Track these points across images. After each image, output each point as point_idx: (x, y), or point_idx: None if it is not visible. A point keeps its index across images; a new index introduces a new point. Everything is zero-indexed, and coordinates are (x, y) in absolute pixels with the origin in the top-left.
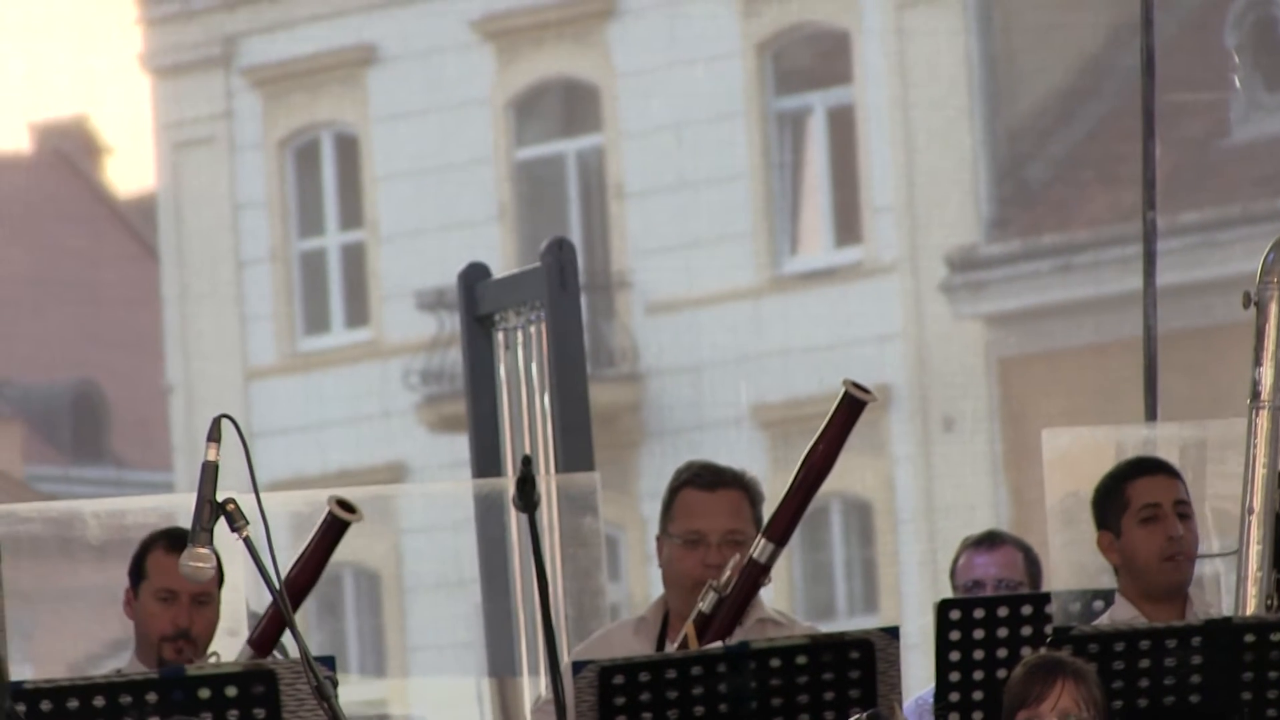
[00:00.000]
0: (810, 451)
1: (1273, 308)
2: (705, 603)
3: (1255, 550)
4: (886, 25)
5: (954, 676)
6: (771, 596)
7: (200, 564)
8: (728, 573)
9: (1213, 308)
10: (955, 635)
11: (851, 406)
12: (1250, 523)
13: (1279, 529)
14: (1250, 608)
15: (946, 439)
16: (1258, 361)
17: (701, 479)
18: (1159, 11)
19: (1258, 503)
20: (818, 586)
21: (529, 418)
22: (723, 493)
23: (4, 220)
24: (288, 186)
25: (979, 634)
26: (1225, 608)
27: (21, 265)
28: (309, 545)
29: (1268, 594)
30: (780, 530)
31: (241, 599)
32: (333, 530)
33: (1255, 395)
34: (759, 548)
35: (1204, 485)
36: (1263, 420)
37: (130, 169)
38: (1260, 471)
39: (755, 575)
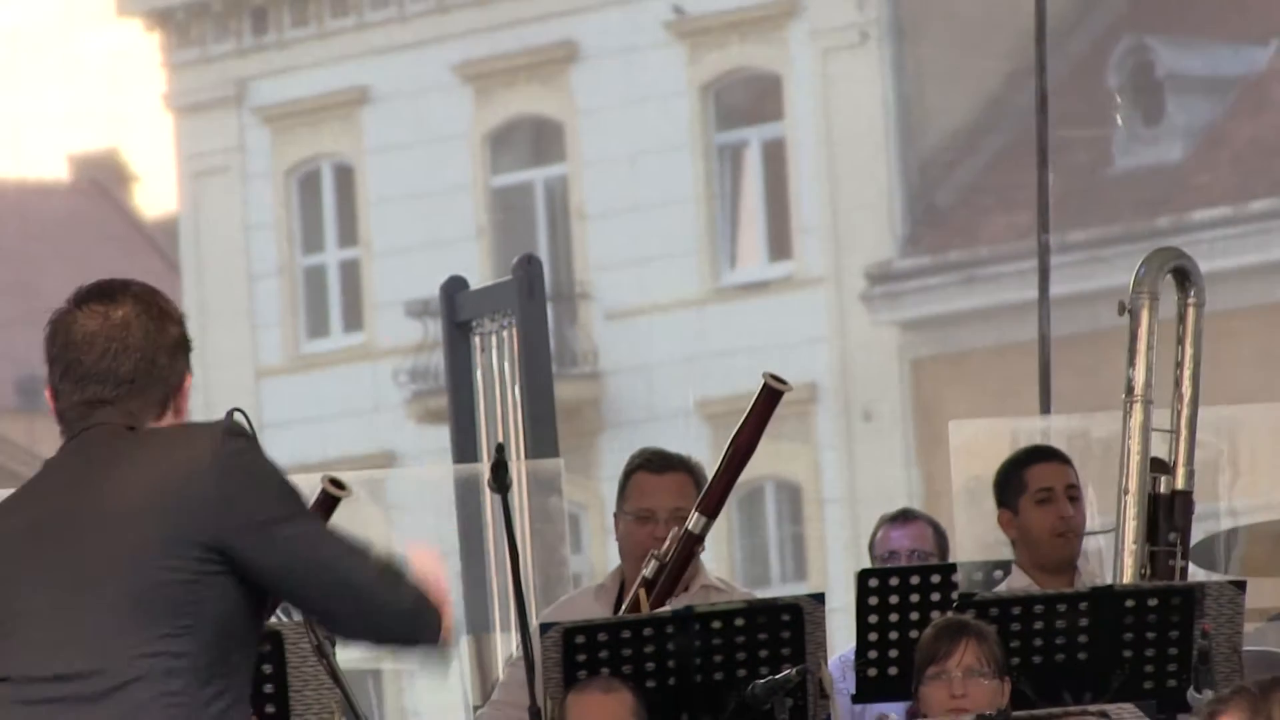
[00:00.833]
0: (736, 435)
1: (1144, 315)
2: (648, 569)
3: (1131, 526)
4: (814, 70)
5: (872, 637)
6: (714, 566)
7: None
8: (667, 543)
9: (1099, 315)
10: (874, 601)
11: (770, 395)
12: (1126, 502)
13: (1151, 508)
14: (1127, 576)
15: (866, 430)
16: (1131, 362)
17: (652, 463)
18: (1051, 57)
19: (1132, 485)
20: (754, 558)
21: (502, 411)
22: (670, 475)
23: (46, 240)
24: (292, 210)
25: (894, 599)
26: (1108, 577)
27: (61, 280)
28: None
29: (1141, 564)
30: (711, 505)
31: None
32: (324, 505)
33: (1130, 391)
34: (693, 520)
35: (1089, 470)
36: (1136, 413)
37: (155, 195)
38: (1135, 458)
39: (691, 544)
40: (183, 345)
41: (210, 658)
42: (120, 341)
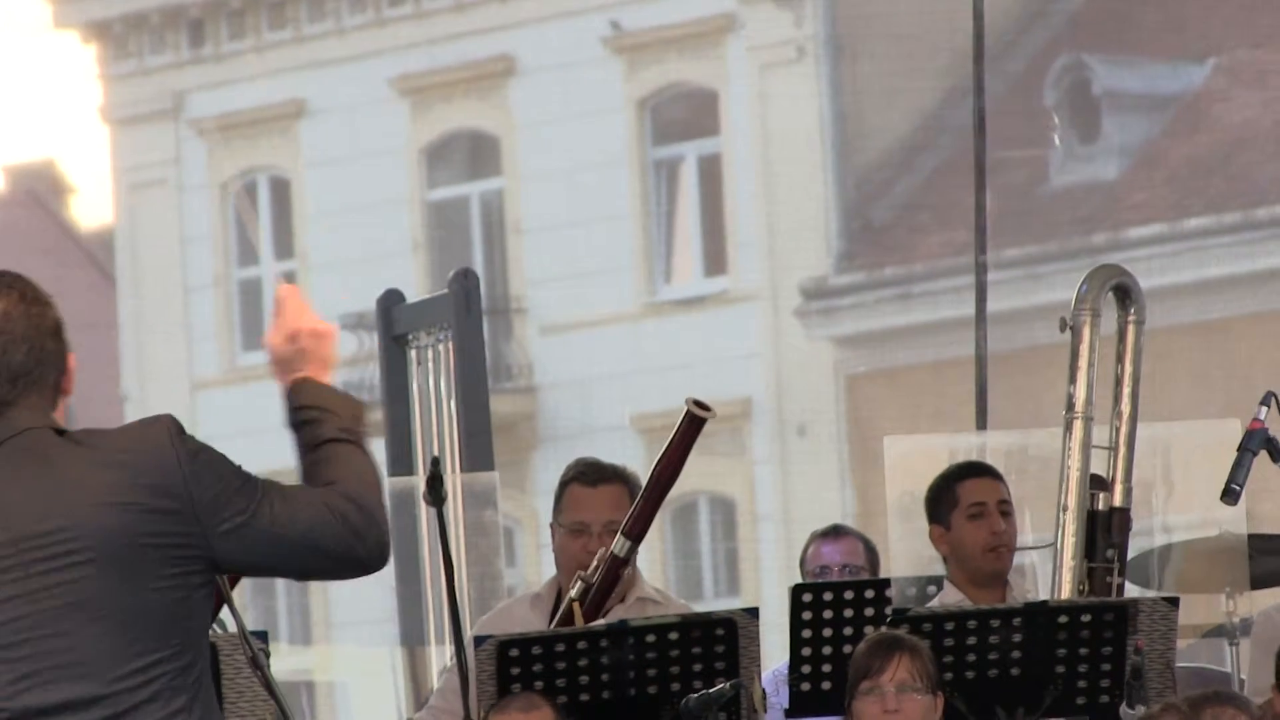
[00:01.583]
0: (659, 462)
1: (1085, 332)
2: (575, 590)
3: (1070, 542)
4: (750, 86)
5: (806, 651)
6: (649, 578)
7: None
8: (594, 563)
9: (1035, 332)
10: (807, 615)
11: (693, 422)
12: (1065, 519)
13: (1089, 524)
14: (1065, 592)
15: (801, 445)
16: (1073, 379)
17: (586, 476)
18: (988, 75)
19: (1072, 501)
20: (687, 573)
21: (438, 424)
22: (604, 488)
23: None
24: (229, 223)
25: (828, 614)
26: (1040, 593)
27: None
28: None
29: (1079, 580)
30: (636, 530)
31: None
32: None
33: (1070, 407)
34: (618, 544)
35: (1025, 486)
36: (1076, 429)
37: (92, 207)
38: (1074, 474)
39: (616, 567)
40: (61, 326)
41: (196, 672)
42: (7, 335)
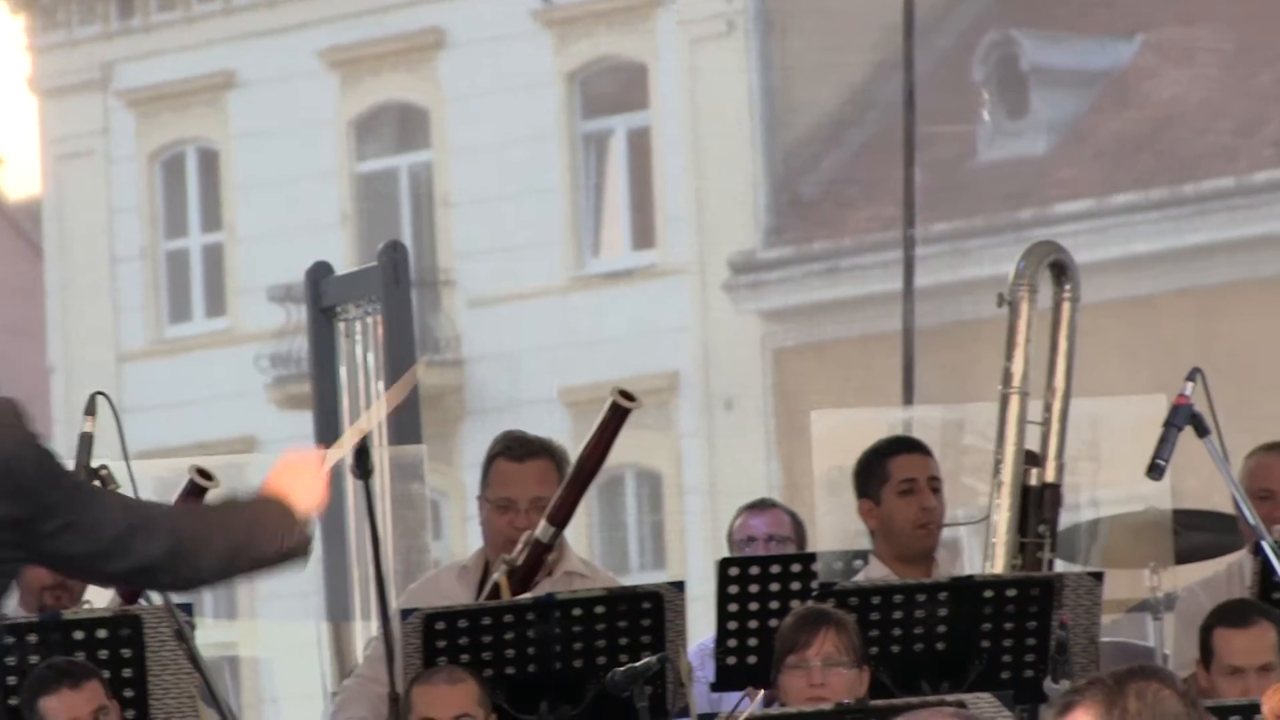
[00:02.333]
0: (583, 451)
1: (1023, 307)
2: (499, 573)
3: (1004, 518)
4: (680, 60)
5: (732, 625)
6: (576, 551)
7: None
8: (520, 546)
9: (962, 307)
10: (734, 589)
11: (616, 412)
12: (1001, 494)
13: (1023, 499)
14: (998, 567)
15: (727, 418)
16: (1010, 354)
17: (512, 451)
18: (917, 50)
19: (1007, 476)
20: (613, 547)
21: (365, 397)
22: (531, 463)
23: None
24: (156, 194)
25: (754, 588)
26: (965, 568)
27: None
28: None
29: (1012, 555)
30: (560, 517)
31: None
32: (192, 495)
33: (1007, 382)
34: (542, 529)
35: (956, 460)
36: (1013, 405)
37: (20, 177)
38: (1010, 449)
39: (540, 552)
40: None
41: None
42: None
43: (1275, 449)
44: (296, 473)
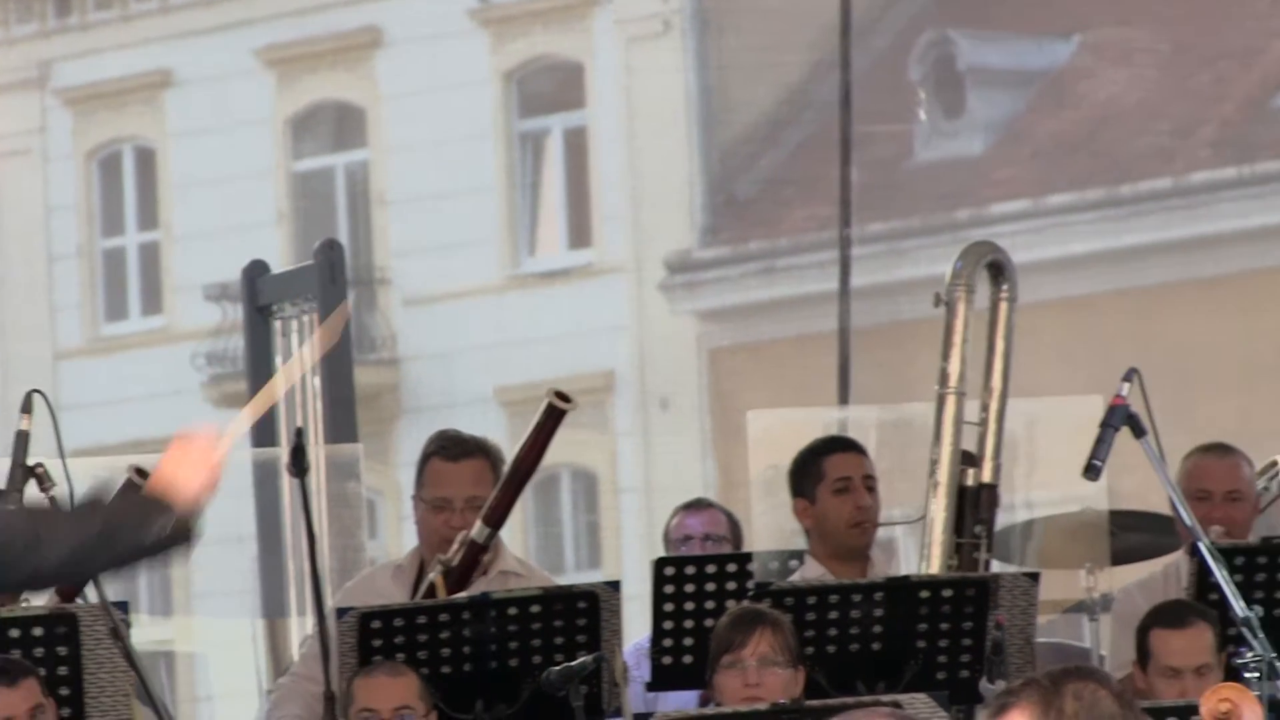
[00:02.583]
0: (519, 452)
1: (960, 307)
2: (435, 573)
3: (940, 518)
4: (617, 59)
5: (668, 625)
6: (511, 550)
7: None
8: (455, 546)
9: (899, 307)
10: (669, 589)
11: (552, 413)
12: (937, 494)
13: (960, 499)
14: (934, 567)
15: (663, 418)
16: (946, 354)
17: (447, 450)
18: (854, 50)
19: (943, 476)
20: (549, 546)
21: (301, 395)
22: (466, 463)
23: None
24: (93, 192)
25: (690, 588)
26: (900, 568)
27: None
28: None
29: (948, 555)
30: (496, 517)
31: None
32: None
33: (944, 382)
34: (477, 529)
35: (892, 460)
36: (949, 405)
37: None
38: (946, 449)
39: (476, 552)
40: None
41: None
42: None
43: (1212, 450)
44: (184, 456)
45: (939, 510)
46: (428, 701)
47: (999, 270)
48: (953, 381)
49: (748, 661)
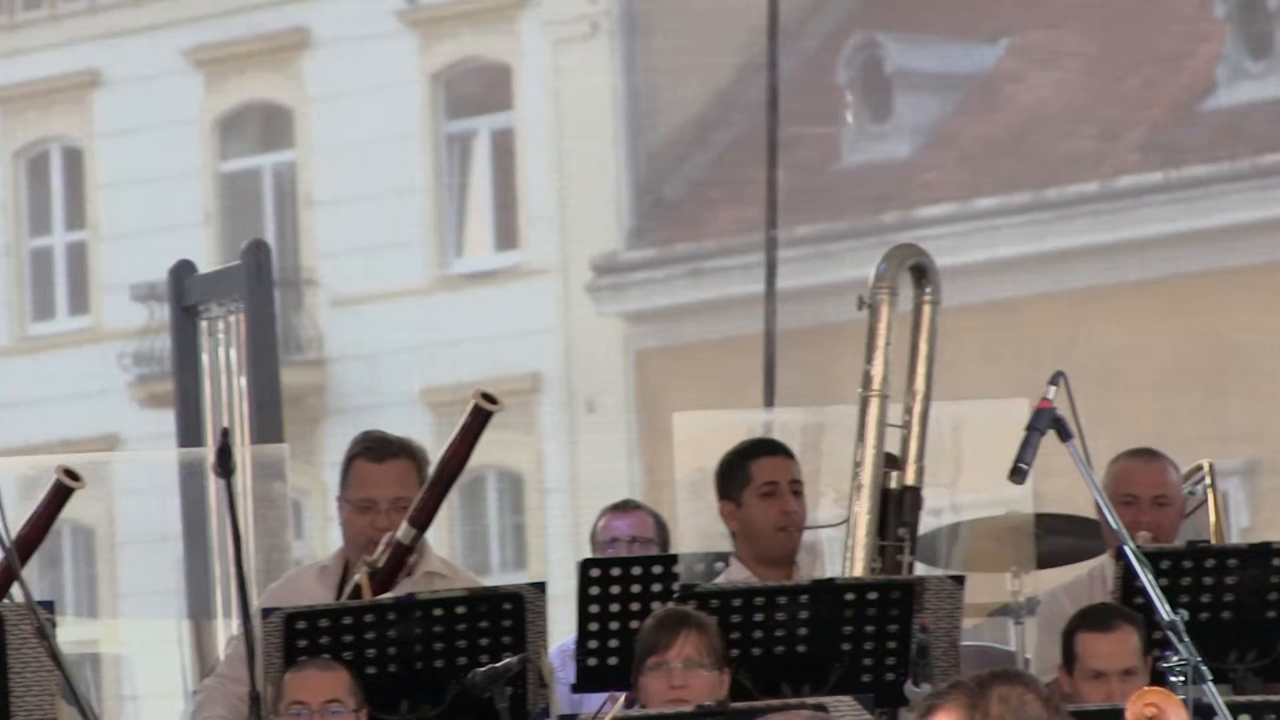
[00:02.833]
0: (445, 453)
1: (883, 310)
2: (360, 574)
3: (863, 520)
4: (544, 61)
5: (593, 626)
6: (437, 551)
7: None
8: (381, 547)
9: (825, 310)
10: (595, 590)
11: (478, 414)
12: (860, 497)
13: (883, 502)
14: (858, 570)
15: (590, 420)
16: (870, 357)
17: (372, 451)
18: (781, 53)
19: (867, 478)
20: (474, 547)
21: (228, 396)
22: (390, 464)
23: None
24: (21, 192)
25: (615, 589)
26: (826, 571)
27: None
28: (39, 506)
29: (871, 558)
30: (422, 519)
31: None
32: (58, 495)
33: (867, 385)
34: (403, 531)
35: (817, 463)
36: (873, 407)
37: None
38: (870, 452)
39: (401, 554)
40: None
41: None
42: None
43: (1139, 455)
44: None
45: (862, 513)
46: (358, 698)
47: (922, 273)
48: (876, 384)
49: (673, 663)
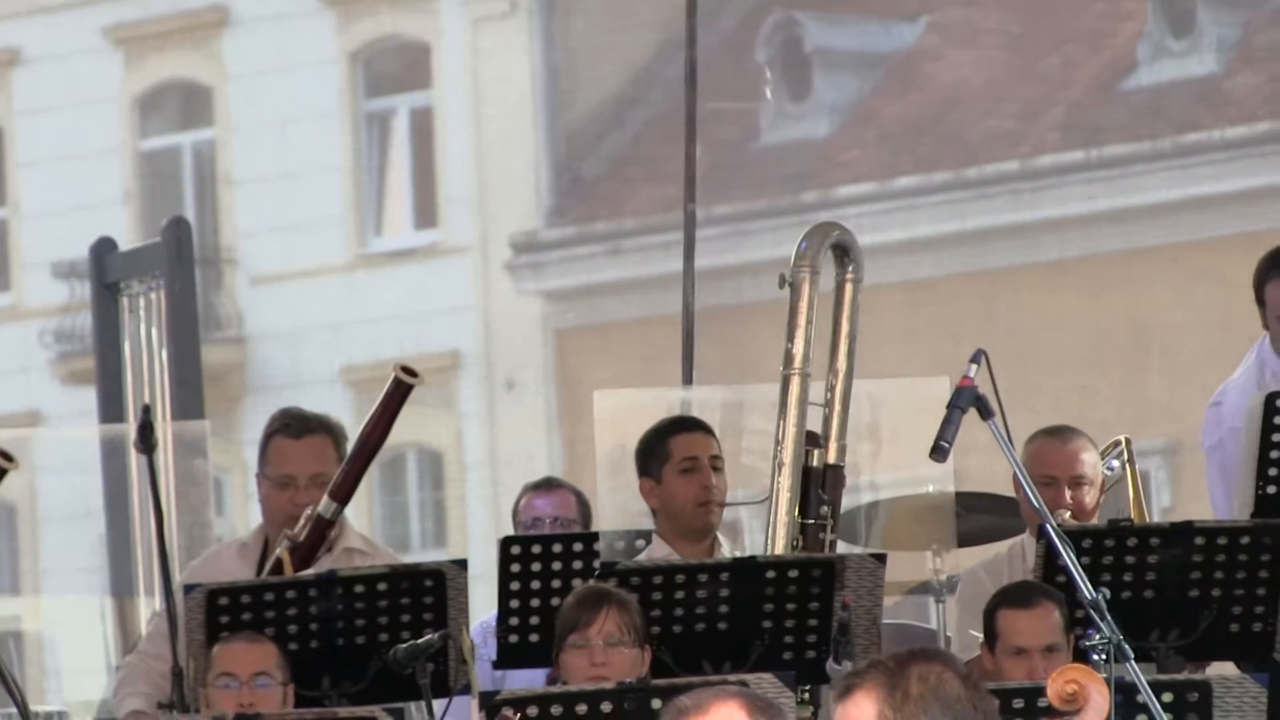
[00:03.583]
0: (365, 426)
1: (805, 288)
2: (281, 549)
3: (785, 498)
4: (463, 40)
5: (514, 604)
6: (356, 529)
7: None
8: (302, 522)
9: (743, 288)
10: (516, 568)
11: (399, 387)
12: (781, 475)
13: (804, 481)
14: (779, 548)
15: (509, 398)
16: (791, 335)
17: (290, 428)
18: (700, 30)
19: (788, 456)
20: (395, 523)
21: (149, 373)
22: (308, 440)
23: None
24: None
25: (536, 567)
26: (747, 549)
27: None
28: None
29: (793, 536)
30: (343, 493)
31: None
32: None
33: (789, 363)
34: (324, 504)
35: (737, 441)
36: (794, 386)
37: None
38: (791, 430)
39: (322, 528)
40: None
41: None
42: None
43: (1055, 435)
44: None
45: (783, 490)
46: (285, 671)
47: (844, 251)
48: (797, 362)
49: (594, 641)
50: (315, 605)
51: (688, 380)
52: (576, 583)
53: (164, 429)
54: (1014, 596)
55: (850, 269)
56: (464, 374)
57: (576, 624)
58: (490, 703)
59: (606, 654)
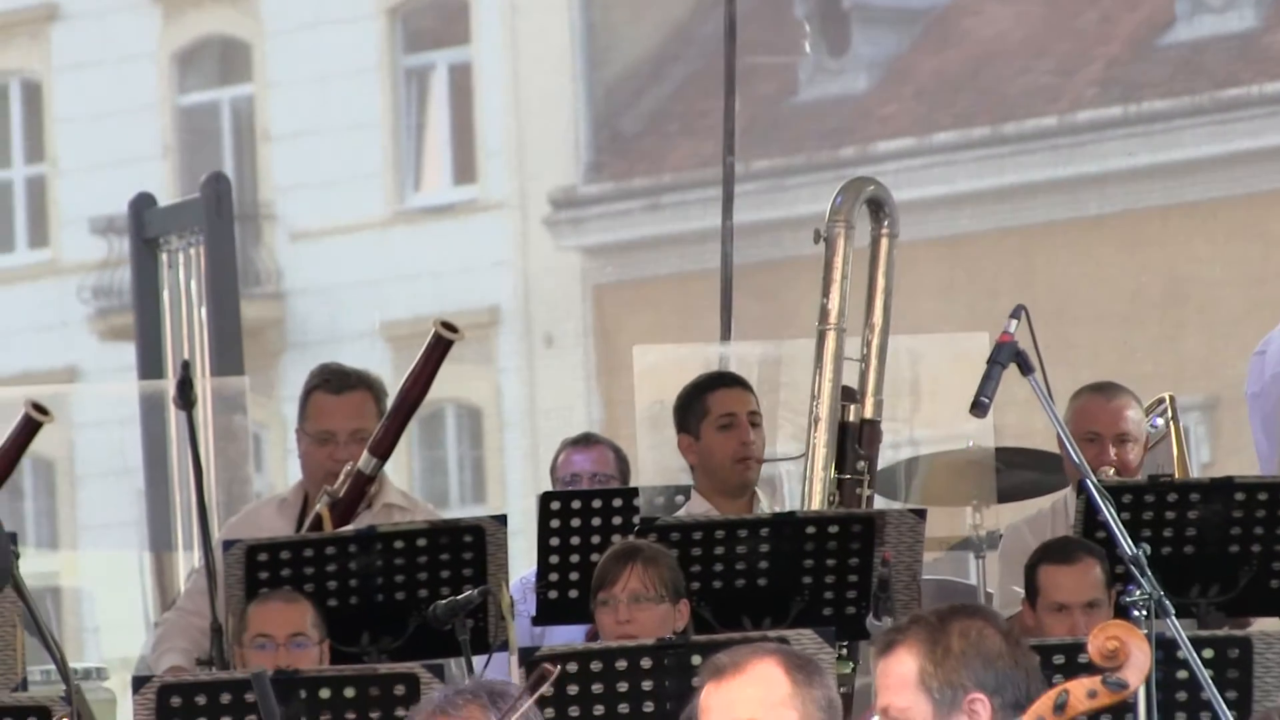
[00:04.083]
0: (406, 382)
1: (839, 243)
2: (321, 505)
3: (820, 453)
4: None
5: (553, 560)
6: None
7: None
8: (341, 478)
9: (781, 243)
10: (555, 524)
11: (439, 343)
12: (817, 430)
13: (840, 436)
14: (815, 503)
15: (548, 354)
16: (826, 291)
17: (330, 384)
18: None
19: (824, 412)
20: (434, 479)
21: (188, 328)
22: (348, 395)
23: None
24: None
25: (575, 523)
26: (786, 504)
27: None
28: (7, 440)
29: (829, 491)
30: (383, 448)
31: None
32: (27, 429)
33: (824, 319)
34: (364, 460)
35: (775, 396)
36: (829, 341)
37: None
38: (826, 385)
39: (362, 484)
40: None
41: None
42: None
43: (1100, 391)
44: None
45: (819, 445)
46: (321, 630)
47: (879, 206)
48: (833, 318)
49: (619, 598)
50: (355, 561)
51: (726, 335)
52: (616, 538)
53: (203, 385)
54: (1055, 552)
55: (885, 224)
56: (503, 329)
57: (605, 581)
58: (529, 659)
59: (630, 611)
